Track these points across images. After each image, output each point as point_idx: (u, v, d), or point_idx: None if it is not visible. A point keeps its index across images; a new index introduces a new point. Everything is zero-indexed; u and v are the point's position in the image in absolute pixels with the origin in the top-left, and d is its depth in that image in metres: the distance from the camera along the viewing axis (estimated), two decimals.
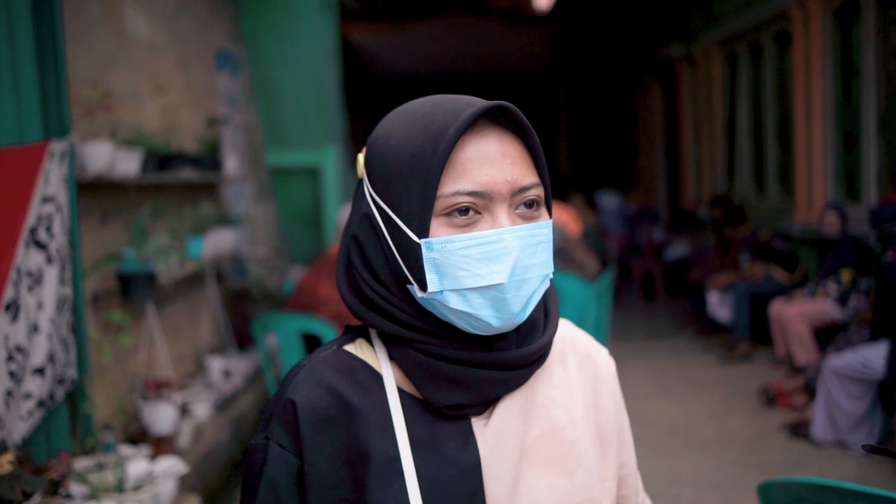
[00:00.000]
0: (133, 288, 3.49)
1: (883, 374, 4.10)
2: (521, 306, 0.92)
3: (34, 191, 2.43)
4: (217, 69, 5.60)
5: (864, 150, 5.94)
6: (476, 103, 0.93)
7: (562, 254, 4.78)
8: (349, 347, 1.02)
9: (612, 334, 5.79)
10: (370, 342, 1.02)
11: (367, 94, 13.40)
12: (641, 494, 1.14)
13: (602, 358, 1.11)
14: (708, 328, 7.23)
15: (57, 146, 2.55)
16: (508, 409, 0.99)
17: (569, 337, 1.11)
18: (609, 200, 10.51)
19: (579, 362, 1.08)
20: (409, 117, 0.96)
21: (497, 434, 0.97)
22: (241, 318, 5.24)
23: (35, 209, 2.43)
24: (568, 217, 5.17)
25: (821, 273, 5.66)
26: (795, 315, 5.49)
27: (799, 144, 6.76)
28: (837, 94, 6.42)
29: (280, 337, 3.99)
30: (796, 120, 6.81)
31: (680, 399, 5.49)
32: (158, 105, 4.40)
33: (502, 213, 0.91)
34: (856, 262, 5.34)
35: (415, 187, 0.90)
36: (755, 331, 6.46)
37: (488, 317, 0.91)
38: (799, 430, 4.59)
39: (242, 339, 5.20)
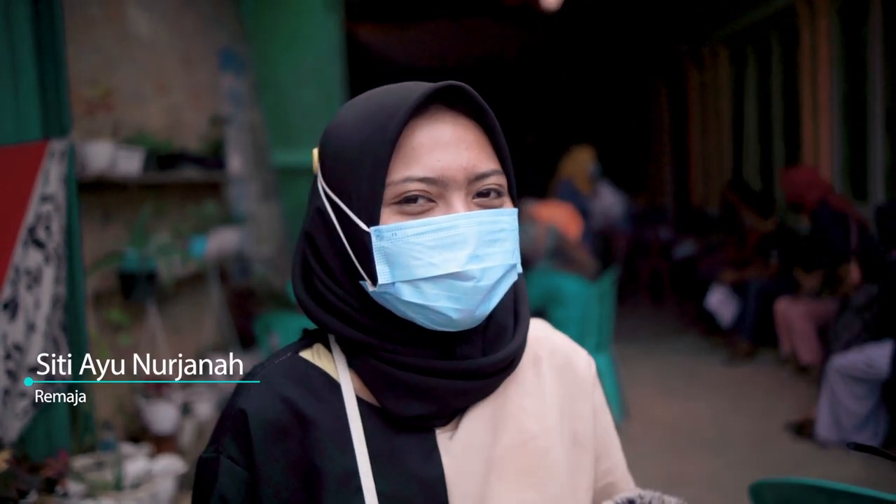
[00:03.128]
0: (134, 287, 3.50)
1: (887, 373, 4.08)
2: (482, 298, 0.87)
3: (33, 190, 2.44)
4: (221, 68, 5.60)
5: (871, 149, 5.90)
6: (426, 86, 0.88)
7: (561, 254, 4.77)
8: (305, 354, 0.96)
9: (616, 334, 5.77)
10: (328, 348, 0.96)
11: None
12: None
13: (580, 361, 1.05)
14: (712, 329, 7.19)
15: (56, 145, 2.56)
16: (476, 420, 0.93)
17: (543, 339, 1.04)
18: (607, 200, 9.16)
19: (555, 366, 1.02)
20: (360, 105, 0.92)
21: (463, 447, 0.92)
22: (245, 318, 5.25)
23: (34, 208, 2.44)
24: (567, 217, 5.15)
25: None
26: (800, 313, 5.46)
27: (806, 143, 6.73)
28: (844, 92, 6.38)
29: (282, 336, 3.99)
30: (803, 118, 6.78)
31: (684, 399, 5.47)
32: (162, 104, 4.41)
33: (458, 201, 0.87)
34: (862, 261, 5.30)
35: (364, 175, 0.86)
36: (760, 330, 6.41)
37: (446, 308, 0.85)
38: (803, 429, 4.56)
39: (246, 339, 5.20)
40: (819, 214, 5.37)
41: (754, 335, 6.40)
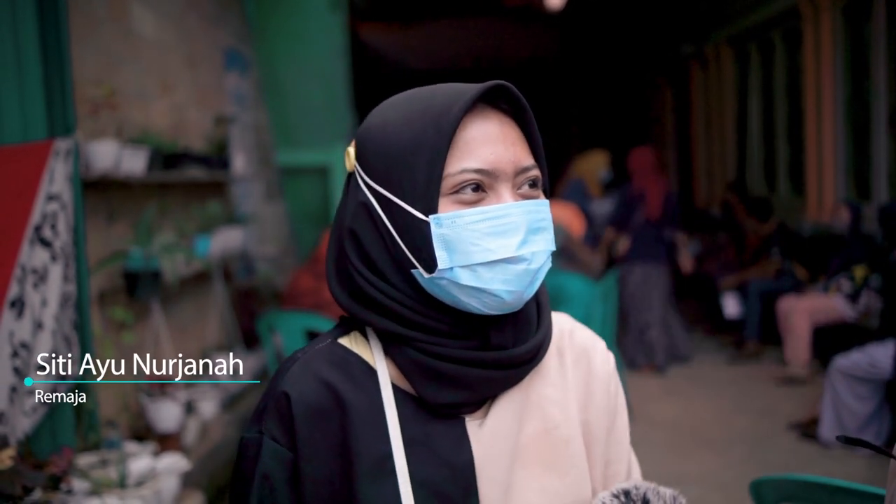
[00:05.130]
0: (139, 286, 3.51)
1: (890, 373, 4.08)
2: (530, 281, 0.93)
3: (39, 189, 2.45)
4: (225, 68, 5.62)
5: (874, 148, 5.90)
6: (473, 86, 0.94)
7: (565, 253, 4.77)
8: (343, 340, 1.01)
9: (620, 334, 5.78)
10: (364, 335, 1.01)
11: (378, 93, 13.41)
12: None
13: (598, 353, 1.09)
14: (716, 327, 7.19)
15: (62, 144, 2.57)
16: (504, 408, 0.98)
17: (567, 331, 1.09)
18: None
19: (575, 357, 1.07)
20: (404, 104, 0.97)
21: (491, 435, 0.96)
22: (249, 317, 5.26)
23: (40, 207, 2.45)
24: (570, 216, 5.16)
25: (831, 269, 5.62)
26: (800, 313, 5.45)
27: (809, 142, 6.73)
28: (848, 91, 6.38)
29: (286, 336, 4.00)
30: (807, 118, 6.77)
31: (687, 398, 5.47)
32: (166, 104, 4.43)
33: (506, 191, 0.93)
34: (867, 260, 5.30)
35: (419, 168, 0.91)
36: (765, 329, 6.41)
37: (500, 291, 0.91)
38: (808, 429, 4.56)
39: (250, 338, 5.22)
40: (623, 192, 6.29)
41: (761, 334, 6.41)
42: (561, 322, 1.10)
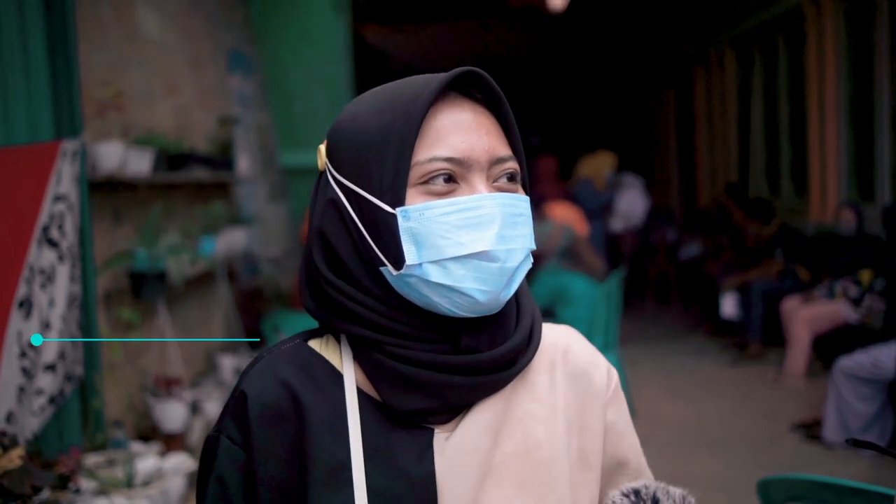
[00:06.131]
0: (144, 286, 3.52)
1: (894, 374, 4.08)
2: (507, 281, 0.87)
3: (46, 189, 2.46)
4: (229, 69, 5.63)
5: (878, 149, 5.90)
6: (444, 73, 0.90)
7: (570, 253, 4.78)
8: (314, 342, 0.97)
9: (623, 334, 5.78)
10: (337, 338, 0.96)
11: None
12: None
13: (599, 372, 1.01)
14: (719, 329, 7.20)
15: (69, 146, 2.58)
16: (477, 421, 0.92)
17: (563, 345, 1.01)
18: (634, 204, 9.24)
19: (570, 374, 0.99)
20: (374, 96, 0.93)
21: (458, 450, 0.90)
22: (253, 317, 5.27)
23: (47, 208, 2.46)
24: (576, 217, 5.17)
25: (836, 273, 5.62)
26: (801, 321, 5.45)
27: (812, 143, 6.73)
28: (851, 92, 6.38)
29: (290, 335, 4.01)
30: (810, 119, 6.77)
31: (690, 399, 5.47)
32: (171, 105, 4.44)
33: (480, 182, 0.87)
34: (873, 263, 5.30)
35: (387, 158, 0.86)
36: (767, 330, 6.41)
37: (472, 290, 0.85)
38: (811, 430, 4.56)
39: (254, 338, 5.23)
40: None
41: (763, 336, 6.40)
42: (558, 335, 1.02)
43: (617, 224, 8.54)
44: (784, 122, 7.64)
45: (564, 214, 5.08)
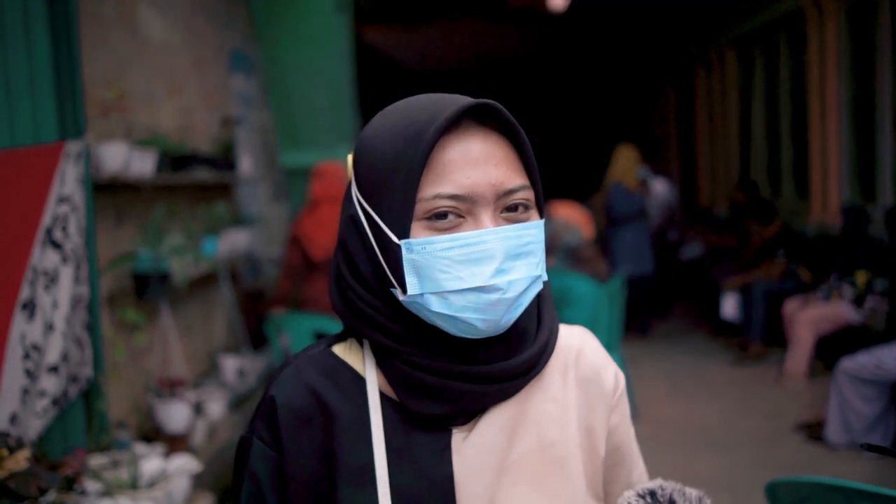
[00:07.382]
0: (148, 287, 3.52)
1: None
2: (506, 309, 0.89)
3: (50, 191, 2.46)
4: (231, 70, 5.63)
5: (879, 150, 5.90)
6: (458, 102, 0.90)
7: (574, 254, 4.78)
8: (337, 348, 1.01)
9: (625, 335, 5.78)
10: (361, 343, 1.00)
11: (383, 95, 13.42)
12: None
13: (608, 375, 1.04)
14: (720, 329, 7.19)
15: (72, 147, 2.58)
16: (493, 422, 0.96)
17: (576, 347, 1.05)
18: (661, 193, 9.20)
19: (582, 377, 1.03)
20: (393, 116, 0.94)
21: (475, 449, 0.94)
22: (256, 318, 5.27)
23: (51, 209, 2.46)
24: (583, 218, 5.17)
25: (834, 274, 5.62)
26: (805, 320, 5.45)
27: (814, 144, 6.73)
28: (852, 93, 6.38)
29: (293, 336, 4.01)
30: (811, 120, 6.78)
31: (693, 400, 5.47)
32: (173, 106, 4.44)
33: (486, 216, 0.89)
34: (871, 263, 5.30)
35: (396, 188, 0.88)
36: (769, 331, 6.41)
37: (472, 319, 0.88)
38: (814, 431, 4.56)
39: (256, 339, 5.23)
40: None
41: (764, 336, 6.40)
42: (571, 336, 1.06)
43: (656, 218, 8.28)
44: (785, 122, 7.64)
45: (571, 215, 5.07)
